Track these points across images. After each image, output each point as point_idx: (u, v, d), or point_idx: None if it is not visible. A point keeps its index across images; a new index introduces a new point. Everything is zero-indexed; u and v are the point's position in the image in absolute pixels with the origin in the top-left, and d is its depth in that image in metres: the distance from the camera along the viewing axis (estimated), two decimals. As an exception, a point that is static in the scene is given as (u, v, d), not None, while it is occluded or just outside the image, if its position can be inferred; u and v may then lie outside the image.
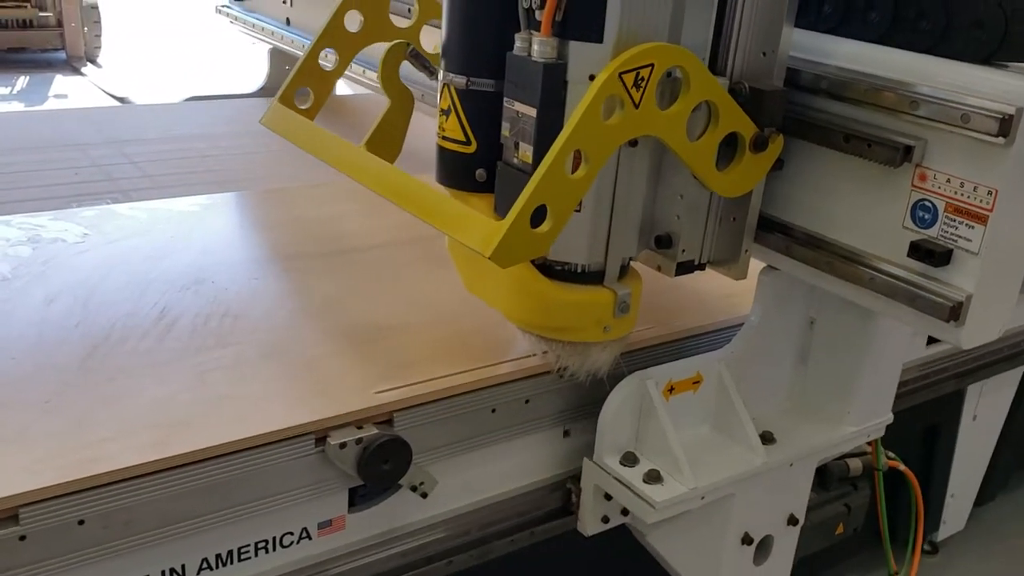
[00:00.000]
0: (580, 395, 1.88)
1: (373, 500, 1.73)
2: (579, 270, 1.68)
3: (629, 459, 1.80)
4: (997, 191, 1.47)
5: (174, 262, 2.21)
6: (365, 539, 1.76)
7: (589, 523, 1.88)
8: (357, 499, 1.72)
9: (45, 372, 1.69)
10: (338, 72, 2.08)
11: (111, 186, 2.95)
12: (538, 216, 1.45)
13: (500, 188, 1.66)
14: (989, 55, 1.50)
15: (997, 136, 1.43)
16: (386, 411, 1.67)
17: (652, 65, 1.46)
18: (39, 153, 3.18)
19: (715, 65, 1.66)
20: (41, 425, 1.53)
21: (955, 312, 1.52)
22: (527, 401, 1.83)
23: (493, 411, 1.80)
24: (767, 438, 1.90)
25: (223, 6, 4.00)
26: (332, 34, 2.04)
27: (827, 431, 1.98)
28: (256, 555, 1.64)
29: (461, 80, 1.65)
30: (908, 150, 1.54)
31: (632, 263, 1.79)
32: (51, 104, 8.75)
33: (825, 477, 2.17)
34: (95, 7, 10.23)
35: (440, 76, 1.71)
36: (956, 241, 1.54)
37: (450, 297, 2.04)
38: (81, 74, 9.76)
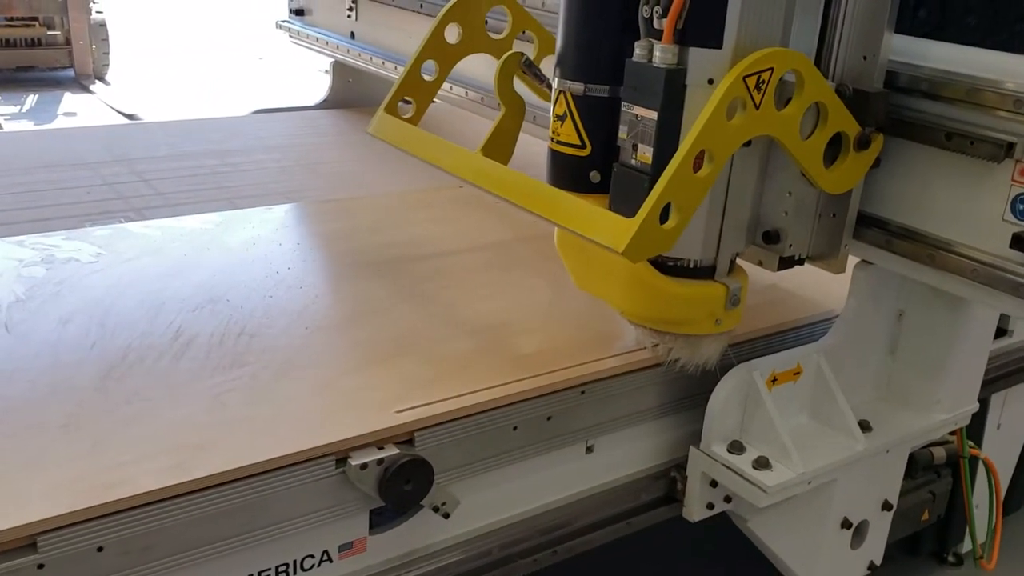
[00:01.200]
0: (596, 411, 1.87)
1: (394, 521, 1.72)
2: (692, 265, 1.77)
3: (736, 447, 1.88)
4: (1097, 183, 1.55)
5: (188, 280, 2.19)
6: (387, 561, 1.74)
7: (695, 510, 1.95)
8: (378, 520, 1.70)
9: (61, 394, 1.67)
10: (438, 82, 2.17)
11: (123, 204, 2.90)
12: (665, 213, 1.54)
13: (616, 188, 1.74)
14: (1090, 54, 1.58)
15: (1099, 132, 1.50)
16: (407, 430, 1.64)
17: (772, 69, 1.54)
18: (50, 172, 3.14)
19: (819, 68, 1.74)
20: (58, 449, 1.51)
21: (1060, 300, 1.60)
22: (549, 418, 1.81)
23: (515, 428, 1.78)
24: (864, 426, 1.97)
25: (283, 21, 4.09)
26: (433, 46, 2.13)
27: (919, 419, 2.05)
28: None
29: (579, 87, 1.75)
30: (1011, 146, 1.62)
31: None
32: (60, 122, 8.74)
33: (912, 465, 2.23)
34: (103, 25, 10.25)
35: (555, 84, 1.80)
36: (1058, 232, 1.61)
37: (467, 313, 2.09)
38: (90, 92, 9.78)
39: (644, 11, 1.63)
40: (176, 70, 10.86)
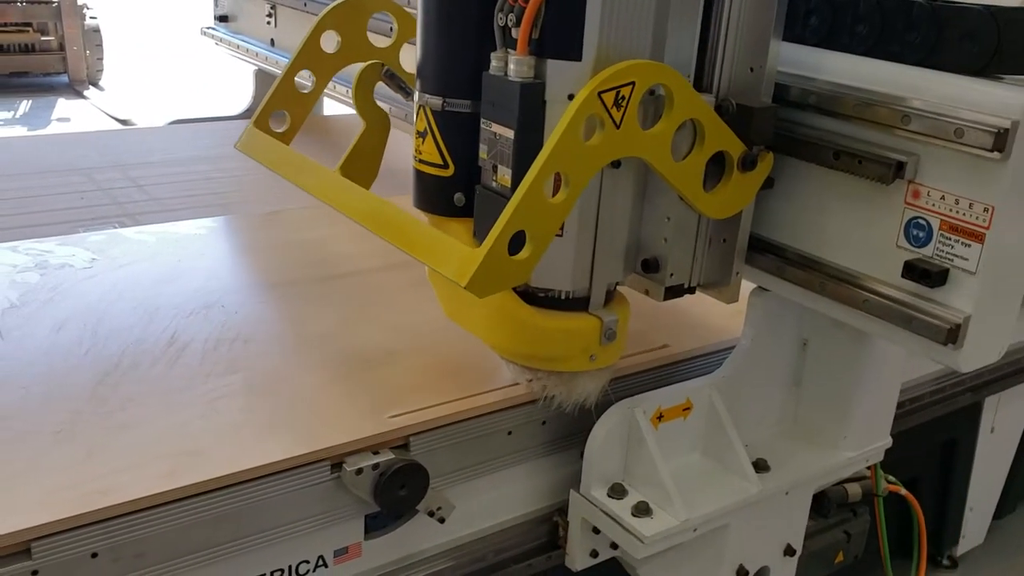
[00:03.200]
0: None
1: (390, 526, 1.71)
2: (563, 297, 1.62)
3: (617, 491, 1.73)
4: (993, 208, 1.42)
5: (183, 286, 2.18)
6: (382, 566, 1.73)
7: (577, 558, 1.81)
8: (373, 525, 1.69)
9: (55, 401, 1.67)
10: (315, 94, 2.02)
11: (118, 210, 2.94)
12: (517, 242, 1.40)
13: (479, 213, 1.60)
14: (982, 67, 1.45)
15: (992, 151, 1.37)
16: (402, 435, 1.64)
17: (633, 83, 1.40)
18: (44, 178, 3.17)
19: (701, 82, 1.61)
20: (52, 456, 1.51)
21: (952, 334, 1.46)
22: (544, 423, 1.80)
23: (509, 433, 1.77)
24: (761, 465, 1.83)
25: (208, 27, 3.95)
26: (308, 55, 1.98)
27: (823, 457, 1.91)
28: None
29: (437, 101, 1.60)
30: (900, 166, 1.49)
31: (619, 287, 1.73)
32: (54, 128, 8.83)
33: (823, 504, 2.09)
34: (97, 31, 10.35)
35: (415, 97, 1.65)
36: (952, 260, 1.48)
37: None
38: (84, 97, 9.88)
39: (499, 19, 1.49)
40: (170, 75, 10.80)
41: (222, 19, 3.86)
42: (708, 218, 1.66)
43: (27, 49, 10.11)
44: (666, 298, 1.70)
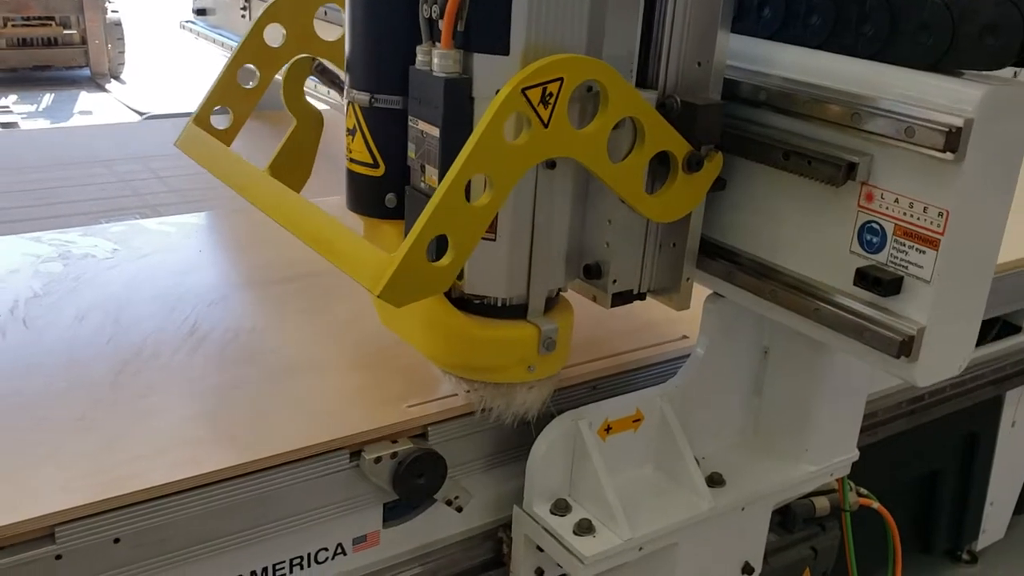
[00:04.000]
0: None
1: (408, 515, 1.70)
2: (498, 304, 1.54)
3: (561, 507, 1.65)
4: (948, 212, 1.33)
5: (203, 276, 2.19)
6: (400, 554, 1.73)
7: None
8: (392, 514, 1.68)
9: (78, 389, 1.68)
10: (259, 90, 1.94)
11: (138, 201, 2.97)
12: (441, 247, 1.32)
13: (409, 215, 1.52)
14: (937, 60, 1.35)
15: (944, 151, 1.28)
16: (420, 424, 1.64)
17: (561, 79, 1.31)
18: (67, 169, 3.20)
19: (645, 77, 1.52)
20: (75, 443, 1.53)
21: (906, 347, 1.37)
22: (560, 412, 1.72)
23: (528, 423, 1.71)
24: (716, 480, 1.74)
25: (187, 21, 3.88)
26: (251, 49, 1.91)
27: (783, 471, 1.82)
28: (291, 572, 1.62)
29: (364, 97, 1.52)
30: (851, 167, 1.40)
31: (564, 293, 1.65)
32: (76, 120, 8.96)
33: (788, 518, 2.01)
34: (118, 24, 10.53)
35: (344, 93, 1.57)
36: (906, 268, 1.39)
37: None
38: (105, 90, 9.98)
39: (424, 9, 1.40)
40: (190, 68, 10.84)
41: (200, 12, 3.79)
42: (655, 221, 1.57)
43: (50, 43, 10.29)
44: (614, 305, 1.62)
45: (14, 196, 2.98)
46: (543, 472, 1.65)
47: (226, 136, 1.91)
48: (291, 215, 1.50)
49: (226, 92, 1.92)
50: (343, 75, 1.60)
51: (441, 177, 1.41)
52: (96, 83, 10.26)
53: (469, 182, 1.30)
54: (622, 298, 1.63)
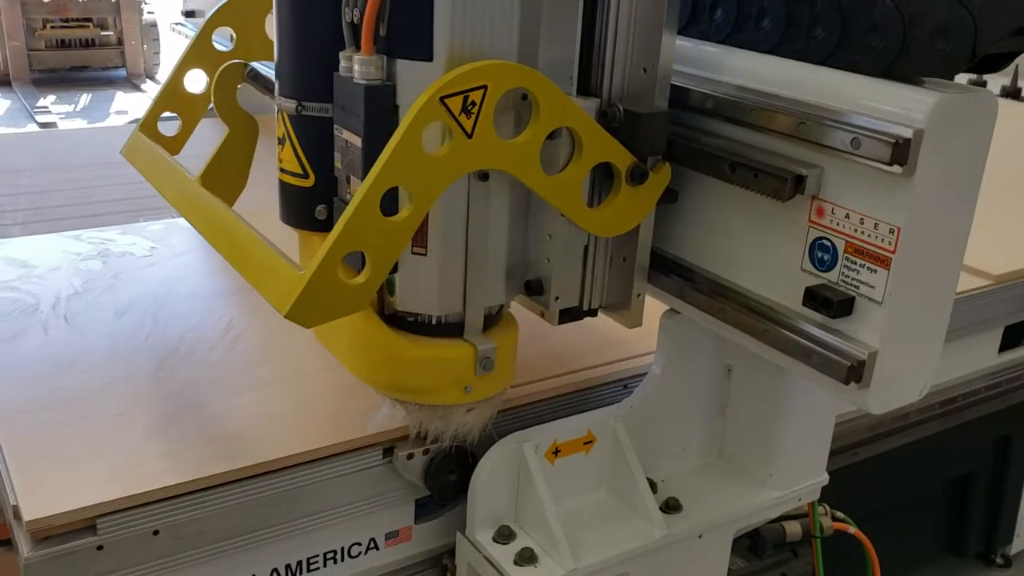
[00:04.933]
0: None
1: (439, 511, 1.70)
2: (433, 321, 1.46)
3: (504, 534, 1.57)
4: (900, 229, 1.24)
5: (239, 275, 2.14)
6: (431, 550, 1.73)
7: (467, 605, 1.65)
8: (423, 510, 1.69)
9: (118, 385, 1.72)
10: (208, 95, 1.88)
11: None
12: (358, 263, 1.25)
13: (338, 228, 1.45)
14: (889, 66, 1.26)
15: (892, 164, 1.19)
16: None
17: (485, 87, 1.24)
18: (105, 169, 3.23)
19: (588, 85, 1.44)
20: (116, 437, 1.56)
21: (855, 372, 1.28)
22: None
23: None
24: (672, 505, 1.66)
25: (176, 23, 3.85)
26: (199, 54, 1.86)
27: (745, 496, 1.73)
28: (325, 566, 1.63)
29: (291, 105, 1.45)
30: (799, 180, 1.31)
31: (509, 310, 1.57)
32: (112, 120, 9.02)
33: (757, 543, 1.92)
34: (154, 25, 10.61)
35: (274, 100, 1.51)
36: (858, 287, 1.30)
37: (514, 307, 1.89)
38: (141, 91, 10.10)
39: (346, 13, 1.33)
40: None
41: (189, 15, 3.75)
42: (601, 236, 1.49)
43: (87, 44, 10.43)
44: (562, 321, 1.54)
45: (54, 195, 3.04)
46: (485, 497, 1.57)
47: (174, 143, 1.85)
48: (213, 227, 1.44)
49: (173, 98, 1.86)
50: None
51: (365, 189, 1.34)
52: (132, 83, 10.39)
53: (394, 194, 1.23)
54: (570, 315, 1.55)
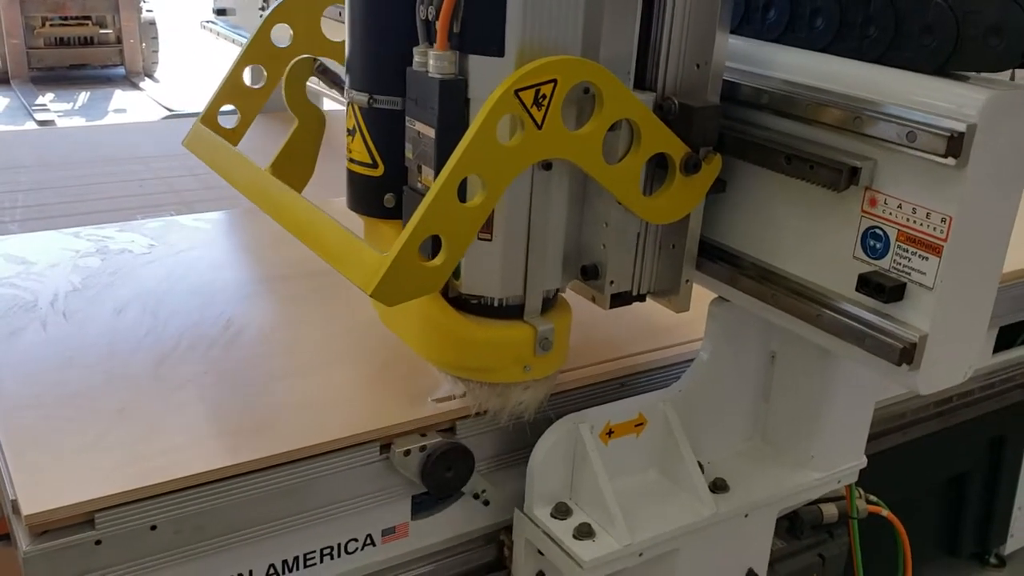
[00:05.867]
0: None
1: (436, 508, 1.72)
2: (495, 304, 1.53)
3: (561, 511, 1.64)
4: (951, 218, 1.30)
5: (238, 272, 2.23)
6: (428, 546, 1.74)
7: (522, 579, 1.72)
8: (419, 507, 1.70)
9: (117, 380, 1.72)
10: (267, 90, 1.95)
11: (175, 198, 3.01)
12: (434, 247, 1.31)
13: (407, 215, 1.50)
14: (942, 64, 1.32)
15: (946, 157, 1.25)
16: (449, 419, 1.65)
17: (555, 81, 1.30)
18: (103, 167, 3.25)
19: (643, 79, 1.50)
20: (115, 432, 1.56)
21: (907, 354, 1.34)
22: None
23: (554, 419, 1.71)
24: (719, 485, 1.72)
25: (207, 21, 3.91)
26: (258, 50, 1.92)
27: (788, 477, 1.79)
28: (322, 561, 1.64)
29: (363, 98, 1.52)
30: (854, 172, 1.37)
31: (563, 294, 1.64)
32: (111, 118, 9.03)
33: (796, 525, 1.98)
34: (153, 24, 10.60)
35: (345, 94, 1.57)
36: (909, 274, 1.36)
37: None
38: (139, 89, 10.09)
39: (421, 11, 1.40)
40: (222, 66, 10.94)
41: (220, 12, 3.82)
42: (653, 223, 1.55)
43: (86, 42, 10.40)
44: (613, 306, 1.61)
45: (53, 192, 3.04)
46: (543, 475, 1.64)
47: (233, 135, 1.92)
48: (289, 214, 1.51)
49: (233, 92, 1.93)
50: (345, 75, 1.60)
51: (436, 177, 1.41)
52: (131, 81, 10.38)
53: (465, 182, 1.30)
54: (621, 299, 1.61)
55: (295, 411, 1.64)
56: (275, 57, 1.93)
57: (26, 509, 1.36)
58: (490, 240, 1.47)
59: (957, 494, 2.93)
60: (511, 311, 1.54)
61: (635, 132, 1.42)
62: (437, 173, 1.40)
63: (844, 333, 1.42)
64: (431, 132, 1.40)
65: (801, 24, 1.50)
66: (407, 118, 1.45)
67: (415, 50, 1.41)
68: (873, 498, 2.07)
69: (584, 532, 1.59)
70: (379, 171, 1.55)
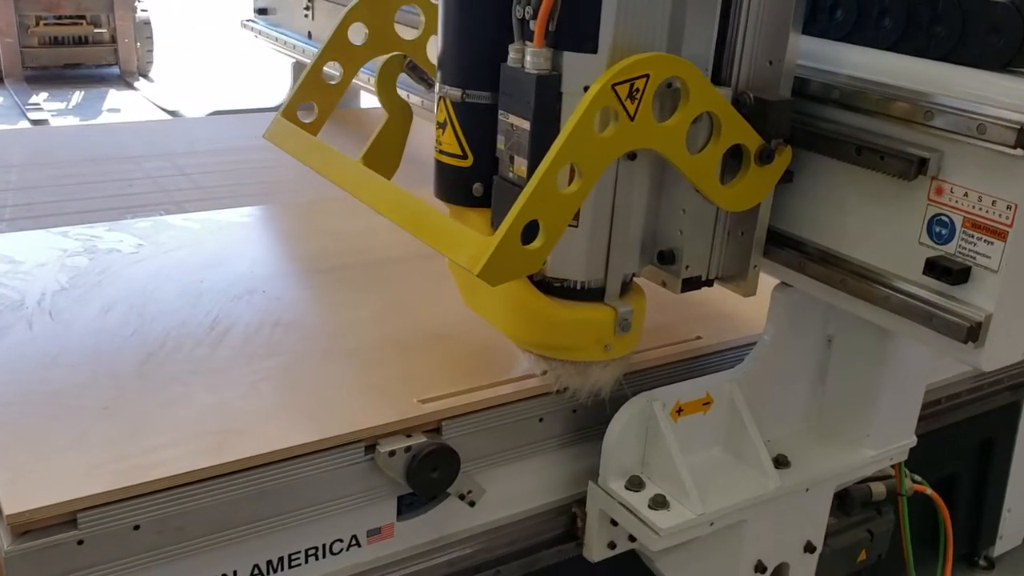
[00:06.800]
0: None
1: (421, 508, 1.74)
2: (578, 287, 1.63)
3: (635, 483, 1.74)
4: (1016, 206, 1.39)
5: (226, 272, 2.25)
6: (414, 547, 1.76)
7: (595, 549, 1.81)
8: (405, 507, 1.72)
9: (102, 379, 1.73)
10: (343, 85, 2.04)
11: (164, 198, 3.02)
12: (531, 232, 1.41)
13: (496, 203, 1.61)
14: (1008, 62, 1.42)
15: (1015, 147, 1.35)
16: (435, 419, 1.68)
17: (647, 76, 1.40)
18: (95, 166, 3.26)
19: (719, 75, 1.60)
20: (98, 431, 1.57)
21: (973, 333, 1.44)
22: (574, 411, 1.82)
23: (540, 420, 1.78)
24: (781, 461, 1.82)
25: (247, 20, 4.01)
26: (336, 47, 2.01)
27: (845, 455, 1.89)
28: (306, 562, 1.65)
29: (457, 92, 1.61)
30: (923, 162, 1.47)
31: (636, 279, 1.73)
32: (105, 118, 8.93)
33: (846, 502, 2.07)
34: (148, 23, 10.51)
35: (436, 88, 1.67)
36: (974, 258, 1.45)
37: None
38: (134, 88, 9.99)
39: (517, 11, 1.49)
40: (217, 68, 10.96)
41: (261, 12, 3.91)
42: (726, 211, 1.65)
43: (80, 41, 10.28)
44: (683, 290, 1.70)
45: (42, 191, 3.03)
46: (618, 450, 1.73)
47: (311, 129, 2.01)
48: (389, 202, 1.60)
49: (313, 87, 2.02)
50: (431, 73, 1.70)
51: (530, 167, 1.51)
52: (125, 81, 10.24)
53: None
54: (691, 284, 1.71)
55: (280, 411, 1.65)
56: (350, 55, 2.03)
57: (8, 508, 1.36)
58: (576, 226, 1.57)
59: (947, 496, 2.82)
60: (592, 294, 1.64)
61: (715, 124, 1.52)
62: (530, 163, 1.51)
63: (912, 314, 1.51)
64: (525, 124, 1.50)
65: (868, 24, 1.60)
66: (500, 111, 1.55)
67: (511, 47, 1.51)
68: (917, 477, 2.17)
69: (659, 503, 1.69)
70: (468, 162, 1.65)
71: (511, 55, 1.51)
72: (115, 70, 10.48)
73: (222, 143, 3.61)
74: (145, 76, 10.49)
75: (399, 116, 1.80)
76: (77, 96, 9.62)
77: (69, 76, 10.18)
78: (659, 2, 1.47)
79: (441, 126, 1.66)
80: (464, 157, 1.65)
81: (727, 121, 1.52)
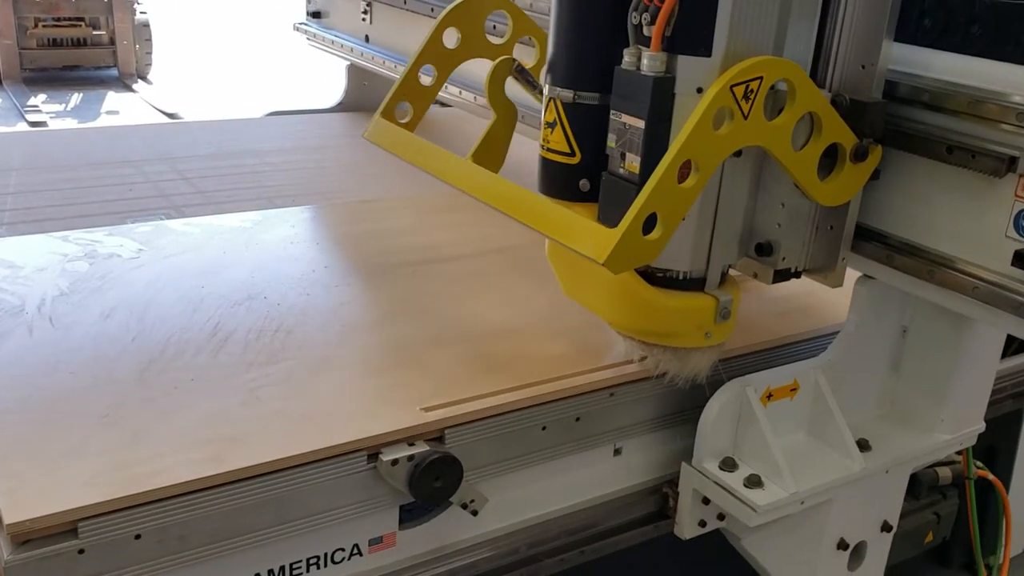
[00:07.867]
0: (632, 412, 1.89)
1: (423, 517, 1.73)
2: (681, 277, 1.73)
3: (728, 464, 1.83)
4: (1102, 199, 1.49)
5: (227, 277, 2.23)
6: (416, 556, 1.75)
7: (687, 527, 1.91)
8: (407, 516, 1.71)
9: (102, 386, 1.71)
10: (436, 87, 2.14)
11: (165, 202, 2.98)
12: (650, 224, 1.51)
13: (605, 197, 1.71)
14: (1094, 66, 1.52)
15: (1101, 146, 1.45)
16: (438, 428, 1.67)
17: (761, 78, 1.50)
18: (94, 169, 3.22)
19: (815, 77, 1.70)
20: (99, 439, 1.55)
21: (1061, 319, 1.54)
22: (577, 419, 1.82)
23: (543, 429, 1.79)
24: (863, 445, 1.91)
25: (300, 23, 4.10)
26: (431, 50, 2.11)
27: (921, 439, 1.99)
28: (308, 571, 1.64)
29: (568, 94, 1.71)
30: (1013, 160, 1.57)
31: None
32: (103, 120, 8.86)
33: (915, 485, 2.17)
34: (147, 25, 10.43)
35: (546, 90, 1.77)
36: (1061, 250, 1.55)
37: (500, 314, 2.09)
38: (132, 91, 9.92)
39: (633, 18, 1.59)
40: (217, 70, 10.99)
41: (315, 15, 4.01)
42: (818, 205, 1.75)
43: (79, 43, 10.22)
44: (774, 281, 1.80)
45: (42, 195, 2.97)
46: (713, 433, 1.83)
47: (406, 129, 2.11)
48: (500, 196, 1.69)
49: (408, 89, 2.12)
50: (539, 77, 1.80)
51: (643, 164, 1.61)
52: (124, 83, 10.15)
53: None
54: (782, 275, 1.81)
55: (281, 419, 1.64)
56: (443, 58, 2.13)
57: (8, 517, 1.34)
58: (684, 219, 1.66)
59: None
60: (692, 283, 1.74)
61: (816, 123, 1.62)
62: (643, 160, 1.61)
63: (1000, 303, 1.61)
64: (640, 123, 1.60)
65: (956, 30, 1.70)
66: (612, 111, 1.65)
67: (626, 52, 1.61)
68: (979, 463, 2.26)
69: (754, 482, 1.78)
70: (576, 159, 1.75)
71: (626, 59, 1.61)
72: (114, 72, 10.41)
73: (222, 147, 3.56)
74: (144, 78, 10.40)
75: (506, 116, 1.90)
76: (75, 98, 9.57)
77: (68, 78, 10.12)
78: (769, 10, 1.57)
79: (550, 125, 1.76)
80: (572, 155, 1.75)
81: (828, 121, 1.62)
